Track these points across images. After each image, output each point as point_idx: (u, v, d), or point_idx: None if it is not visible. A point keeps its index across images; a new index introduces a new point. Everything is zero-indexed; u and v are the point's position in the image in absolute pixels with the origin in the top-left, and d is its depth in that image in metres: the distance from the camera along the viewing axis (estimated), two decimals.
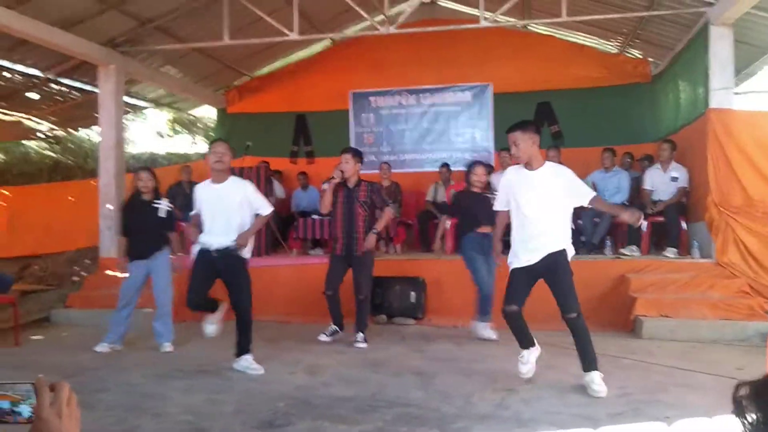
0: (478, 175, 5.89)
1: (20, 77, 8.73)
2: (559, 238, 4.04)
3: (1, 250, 9.26)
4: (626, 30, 8.59)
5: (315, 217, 7.89)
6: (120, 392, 4.20)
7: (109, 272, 7.62)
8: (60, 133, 11.55)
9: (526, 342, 4.21)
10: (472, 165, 6.09)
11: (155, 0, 7.42)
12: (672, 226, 6.96)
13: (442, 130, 9.90)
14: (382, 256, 7.45)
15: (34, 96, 9.39)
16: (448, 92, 9.84)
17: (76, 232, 9.05)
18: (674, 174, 7.08)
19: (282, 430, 3.44)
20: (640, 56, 9.34)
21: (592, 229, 7.20)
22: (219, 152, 4.59)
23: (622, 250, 6.97)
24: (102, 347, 5.43)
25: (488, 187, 5.96)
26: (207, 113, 14.21)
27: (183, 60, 9.30)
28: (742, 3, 5.85)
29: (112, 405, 3.92)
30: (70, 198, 10.01)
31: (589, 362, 4.00)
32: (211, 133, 13.51)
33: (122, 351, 5.48)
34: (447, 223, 6.69)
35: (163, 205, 5.53)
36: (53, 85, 9.12)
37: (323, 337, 5.61)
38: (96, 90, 8.51)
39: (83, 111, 9.95)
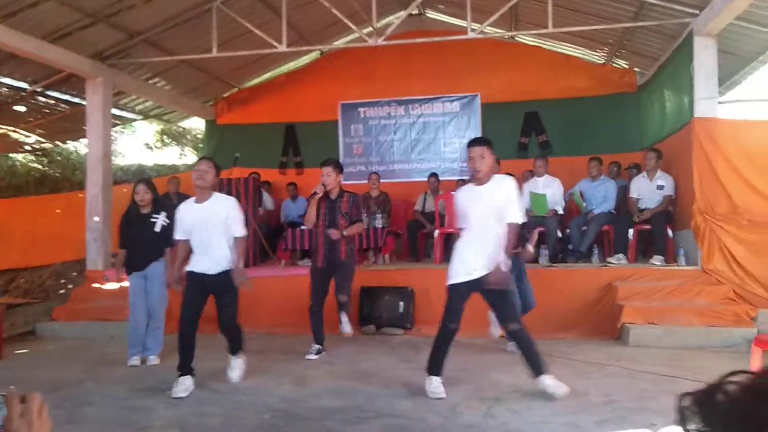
0: None
1: (7, 90, 8.69)
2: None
3: None
4: (612, 41, 8.69)
5: (304, 227, 7.86)
6: (105, 406, 4.16)
7: (95, 285, 7.57)
8: (47, 145, 11.49)
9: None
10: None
11: (144, 13, 7.42)
12: (658, 234, 7.01)
13: (431, 140, 9.95)
14: (371, 266, 7.45)
15: (21, 109, 9.35)
16: (437, 103, 9.90)
17: (63, 245, 8.97)
18: (660, 182, 7.14)
19: None
20: (626, 66, 9.44)
21: (579, 237, 7.23)
22: (201, 170, 4.55)
23: (609, 259, 7.01)
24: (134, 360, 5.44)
25: None
26: (196, 125, 14.20)
27: (171, 72, 9.29)
28: (726, 14, 5.93)
29: (97, 419, 3.88)
30: (56, 210, 9.94)
31: (537, 368, 4.08)
32: (200, 145, 13.48)
33: (108, 364, 5.42)
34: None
35: (160, 220, 5.49)
36: (41, 98, 9.09)
37: (311, 356, 5.51)
38: (84, 102, 8.48)
39: (71, 123, 9.91)
